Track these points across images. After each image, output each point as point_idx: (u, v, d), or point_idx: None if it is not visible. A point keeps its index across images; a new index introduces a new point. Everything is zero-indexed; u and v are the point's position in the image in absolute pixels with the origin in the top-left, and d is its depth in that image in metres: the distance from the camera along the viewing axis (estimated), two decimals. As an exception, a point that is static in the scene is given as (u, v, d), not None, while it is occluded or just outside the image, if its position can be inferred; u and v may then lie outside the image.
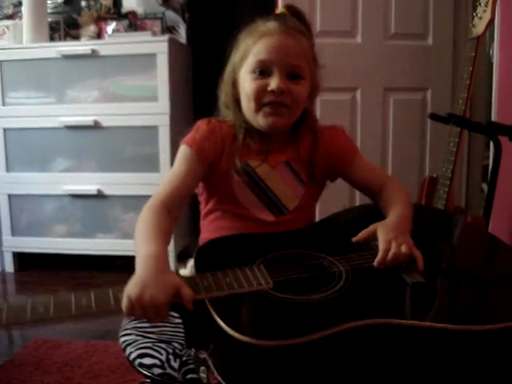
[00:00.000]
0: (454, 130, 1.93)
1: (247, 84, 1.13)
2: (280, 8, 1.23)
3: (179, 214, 1.15)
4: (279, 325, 0.81)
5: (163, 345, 1.08)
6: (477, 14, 1.93)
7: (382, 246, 0.99)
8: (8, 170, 2.87)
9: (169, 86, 2.67)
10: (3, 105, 2.84)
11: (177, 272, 3.34)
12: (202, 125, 1.20)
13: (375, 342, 0.79)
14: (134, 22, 2.99)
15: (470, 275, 0.99)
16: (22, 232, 2.93)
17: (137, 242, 1.00)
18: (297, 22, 1.16)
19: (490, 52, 2.84)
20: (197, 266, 0.97)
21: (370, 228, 1.06)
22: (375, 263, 0.97)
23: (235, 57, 1.18)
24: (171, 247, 2.72)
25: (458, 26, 2.76)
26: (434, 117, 1.94)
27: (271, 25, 1.13)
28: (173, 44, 2.75)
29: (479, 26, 1.90)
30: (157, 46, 2.67)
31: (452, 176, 1.92)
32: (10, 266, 2.96)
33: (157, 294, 0.85)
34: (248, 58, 1.14)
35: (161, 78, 2.67)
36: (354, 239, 1.05)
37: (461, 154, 2.16)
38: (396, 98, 2.79)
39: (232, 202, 1.18)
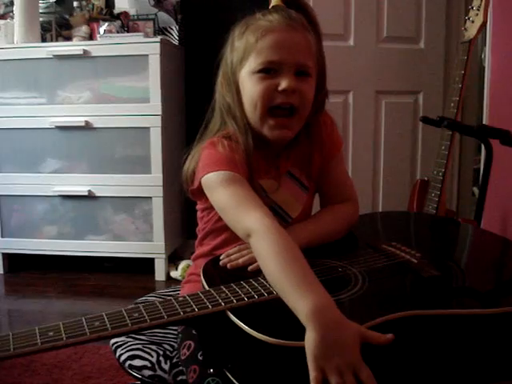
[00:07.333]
0: (445, 133, 1.94)
1: (252, 86, 1.03)
2: (274, 0, 1.08)
3: None
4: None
5: (154, 346, 1.07)
6: (469, 18, 1.94)
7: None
8: (-2, 170, 2.86)
9: (161, 88, 2.66)
10: (-6, 105, 2.82)
11: (168, 273, 3.27)
12: (217, 145, 1.05)
13: (409, 334, 0.80)
14: (126, 23, 2.97)
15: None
16: (12, 233, 2.91)
17: (281, 281, 0.83)
18: (299, 15, 1.05)
19: (482, 56, 2.86)
20: (206, 281, 0.91)
21: None
22: None
23: (233, 56, 1.07)
24: (163, 249, 2.71)
25: (450, 29, 2.78)
26: (426, 120, 1.95)
27: (274, 18, 1.02)
28: (165, 45, 2.74)
29: (471, 30, 1.92)
30: (149, 47, 2.66)
31: (443, 179, 1.93)
32: (-1, 268, 2.94)
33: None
34: (250, 57, 1.03)
35: (153, 80, 2.66)
36: None
37: (452, 157, 2.17)
38: (388, 101, 2.80)
39: None
